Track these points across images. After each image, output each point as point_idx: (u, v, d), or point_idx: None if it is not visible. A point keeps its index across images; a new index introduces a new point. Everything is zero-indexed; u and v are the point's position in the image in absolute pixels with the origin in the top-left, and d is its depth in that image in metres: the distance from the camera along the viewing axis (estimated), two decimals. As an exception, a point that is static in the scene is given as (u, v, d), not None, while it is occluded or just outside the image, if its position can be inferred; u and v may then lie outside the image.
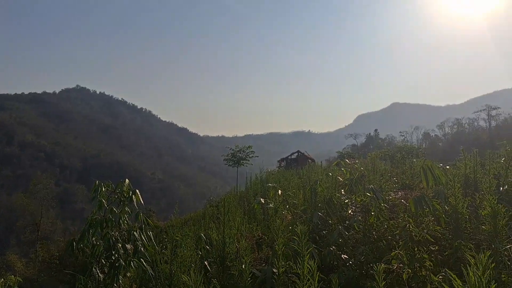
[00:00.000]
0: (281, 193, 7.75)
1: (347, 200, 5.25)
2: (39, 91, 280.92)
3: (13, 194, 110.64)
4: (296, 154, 46.47)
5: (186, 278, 2.77)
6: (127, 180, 4.91)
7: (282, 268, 3.53)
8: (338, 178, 6.37)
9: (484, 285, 1.24)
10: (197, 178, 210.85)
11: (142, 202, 4.81)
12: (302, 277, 2.86)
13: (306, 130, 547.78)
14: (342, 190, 5.89)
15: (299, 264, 2.94)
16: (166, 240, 7.94)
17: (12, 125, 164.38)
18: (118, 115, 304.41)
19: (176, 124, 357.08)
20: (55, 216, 75.35)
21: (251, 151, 27.28)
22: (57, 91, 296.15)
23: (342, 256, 4.10)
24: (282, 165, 42.55)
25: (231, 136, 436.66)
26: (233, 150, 27.35)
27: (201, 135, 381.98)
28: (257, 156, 28.81)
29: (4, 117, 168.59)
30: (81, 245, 4.72)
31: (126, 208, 4.70)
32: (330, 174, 6.86)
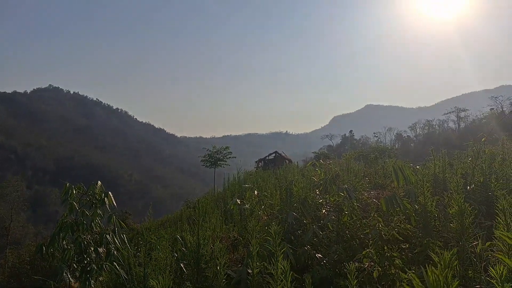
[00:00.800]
0: (257, 193, 7.77)
1: (321, 200, 5.33)
2: (9, 91, 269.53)
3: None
4: (273, 154, 46.66)
5: (154, 283, 2.71)
6: (99, 182, 4.79)
7: (257, 268, 3.54)
8: (313, 178, 6.45)
9: (442, 283, 1.28)
10: (175, 179, 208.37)
11: (115, 204, 4.70)
12: (276, 277, 2.88)
13: (284, 131, 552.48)
14: (317, 190, 5.97)
15: (273, 265, 2.96)
16: (141, 243, 7.80)
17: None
18: (93, 116, 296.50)
19: (153, 125, 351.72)
20: (27, 219, 72.41)
21: (229, 152, 27.21)
22: (28, 91, 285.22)
23: (317, 255, 4.15)
24: (260, 165, 42.64)
25: (209, 136, 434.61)
26: (210, 151, 27.19)
27: (179, 136, 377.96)
28: (235, 157, 28.77)
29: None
30: (51, 250, 4.57)
31: (98, 211, 4.58)
32: (305, 174, 6.95)
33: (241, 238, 5.88)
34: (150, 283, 4.22)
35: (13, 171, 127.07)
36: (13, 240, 35.25)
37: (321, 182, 5.91)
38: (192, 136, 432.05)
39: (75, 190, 4.57)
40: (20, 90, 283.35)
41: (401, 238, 3.34)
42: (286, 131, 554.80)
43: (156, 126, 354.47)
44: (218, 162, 26.54)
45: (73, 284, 4.78)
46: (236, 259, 5.56)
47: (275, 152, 47.36)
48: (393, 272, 2.97)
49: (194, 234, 4.63)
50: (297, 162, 19.77)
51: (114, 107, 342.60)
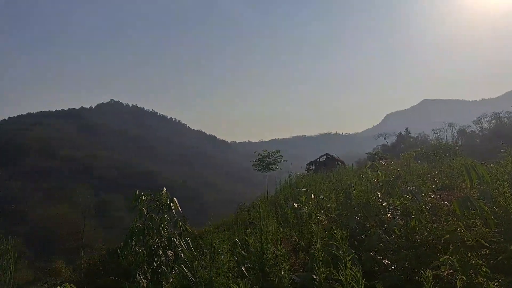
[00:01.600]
0: (314, 197, 7.65)
1: (384, 203, 5.11)
2: (77, 107, 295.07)
3: (56, 205, 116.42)
4: (324, 156, 45.75)
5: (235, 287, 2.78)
6: (164, 188, 5.05)
7: (323, 274, 3.48)
8: (373, 180, 6.22)
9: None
10: (225, 184, 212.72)
11: (180, 209, 4.91)
12: (345, 284, 2.80)
13: (333, 132, 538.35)
14: (378, 193, 5.74)
15: (342, 271, 2.88)
16: (202, 246, 8.05)
17: (53, 140, 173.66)
18: (149, 126, 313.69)
19: (204, 132, 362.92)
20: (96, 224, 78.41)
21: (279, 156, 27.12)
22: (93, 106, 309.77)
23: (384, 261, 3.98)
24: (311, 168, 42.03)
25: (257, 141, 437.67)
26: (261, 155, 27.31)
27: (229, 141, 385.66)
28: (285, 160, 28.61)
29: (45, 133, 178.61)
30: (125, 252, 4.90)
31: (166, 216, 4.83)
32: (363, 176, 6.71)
33: (302, 243, 5.83)
34: (218, 284, 4.33)
35: (81, 181, 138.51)
36: (85, 243, 38.35)
37: (382, 184, 5.67)
38: (241, 141, 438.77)
39: (144, 197, 4.87)
40: (86, 105, 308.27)
41: (487, 244, 3.08)
42: (336, 132, 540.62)
43: (208, 133, 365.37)
44: (270, 166, 26.56)
45: (144, 285, 5.07)
46: (297, 263, 5.52)
47: (326, 154, 46.44)
48: (480, 281, 2.74)
49: (257, 238, 4.68)
50: (352, 164, 19.18)
51: (168, 117, 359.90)
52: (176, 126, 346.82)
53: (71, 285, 3.32)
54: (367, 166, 8.16)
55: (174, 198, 4.96)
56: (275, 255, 4.45)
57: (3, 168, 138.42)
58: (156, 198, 4.96)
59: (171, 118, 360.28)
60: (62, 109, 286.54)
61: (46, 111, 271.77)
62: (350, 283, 2.76)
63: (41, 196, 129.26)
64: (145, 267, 5.14)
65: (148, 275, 5.09)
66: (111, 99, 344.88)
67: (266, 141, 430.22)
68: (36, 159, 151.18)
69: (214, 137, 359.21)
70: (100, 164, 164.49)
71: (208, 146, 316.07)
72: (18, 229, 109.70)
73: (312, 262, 4.09)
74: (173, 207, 4.83)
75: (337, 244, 3.25)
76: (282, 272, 3.92)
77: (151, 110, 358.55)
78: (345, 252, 2.97)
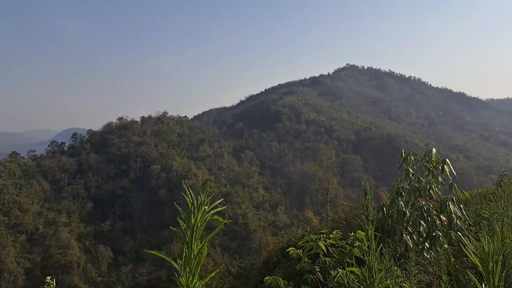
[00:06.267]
0: None
1: None
2: (317, 75, 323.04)
3: (304, 162, 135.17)
4: None
5: None
6: (433, 149, 4.65)
7: None
8: None
9: None
10: (479, 149, 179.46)
11: (454, 172, 4.41)
12: None
13: None
14: None
15: None
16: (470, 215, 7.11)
17: (299, 106, 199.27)
18: (386, 87, 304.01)
19: (450, 90, 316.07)
20: (337, 183, 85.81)
21: None
22: (330, 72, 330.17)
23: None
24: None
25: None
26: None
27: (483, 99, 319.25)
28: None
29: (293, 100, 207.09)
30: (390, 211, 4.95)
31: (440, 179, 4.48)
32: None
33: None
34: None
35: (323, 142, 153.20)
36: (329, 199, 42.67)
37: None
38: (501, 97, 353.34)
39: (412, 157, 4.68)
40: (324, 73, 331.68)
41: None
42: None
43: (454, 90, 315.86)
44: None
45: (410, 246, 4.98)
46: None
47: None
48: None
49: None
50: None
51: (407, 76, 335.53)
52: (415, 85, 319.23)
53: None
54: None
55: (447, 160, 4.49)
56: None
57: (264, 132, 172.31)
58: (425, 159, 4.65)
59: (409, 77, 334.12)
60: (305, 78, 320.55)
61: (292, 81, 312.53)
62: None
63: (293, 154, 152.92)
64: (410, 228, 5.03)
65: (414, 237, 4.97)
66: (347, 64, 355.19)
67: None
68: (288, 123, 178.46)
69: (463, 94, 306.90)
70: (339, 127, 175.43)
71: (455, 105, 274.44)
72: (277, 181, 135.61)
73: None
74: (447, 169, 4.40)
75: None
76: None
77: (387, 70, 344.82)
78: None
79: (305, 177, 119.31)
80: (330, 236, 3.70)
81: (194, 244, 0.87)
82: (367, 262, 1.80)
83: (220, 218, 0.94)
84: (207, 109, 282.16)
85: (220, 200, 1.02)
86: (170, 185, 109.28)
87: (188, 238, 0.88)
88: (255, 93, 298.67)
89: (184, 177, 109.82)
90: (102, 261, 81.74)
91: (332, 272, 3.02)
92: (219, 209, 0.94)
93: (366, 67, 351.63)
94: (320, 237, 3.59)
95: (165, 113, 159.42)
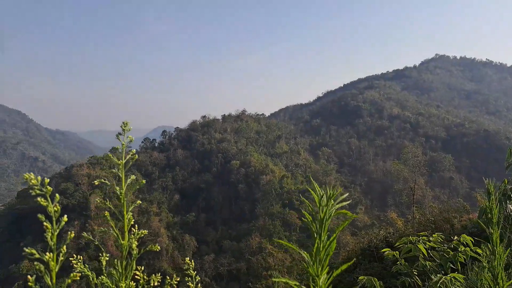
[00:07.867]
0: None
1: None
2: (401, 67, 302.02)
3: (386, 161, 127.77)
4: None
5: None
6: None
7: None
8: None
9: None
10: None
11: None
12: None
13: None
14: None
15: None
16: None
17: (381, 101, 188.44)
18: (483, 78, 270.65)
19: None
20: (425, 183, 79.32)
21: None
22: (417, 64, 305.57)
23: None
24: None
25: None
26: None
27: None
28: None
29: (374, 95, 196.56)
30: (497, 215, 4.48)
31: None
32: None
33: None
34: None
35: (408, 139, 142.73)
36: (416, 200, 39.72)
37: None
38: None
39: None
40: (410, 65, 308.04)
41: None
42: None
43: None
44: None
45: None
46: None
47: None
48: None
49: None
50: None
51: (508, 65, 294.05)
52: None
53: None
54: None
55: None
56: None
57: (342, 129, 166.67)
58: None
59: (511, 66, 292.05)
60: (387, 71, 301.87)
61: (373, 75, 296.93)
62: None
63: (374, 152, 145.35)
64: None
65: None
66: (436, 54, 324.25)
67: None
68: (369, 119, 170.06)
69: None
70: (427, 123, 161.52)
71: None
72: (356, 180, 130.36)
73: None
74: None
75: None
76: None
77: (484, 59, 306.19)
78: None
79: (387, 176, 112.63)
80: (430, 239, 3.50)
81: (323, 236, 0.94)
82: (494, 269, 1.67)
83: (349, 212, 1.00)
84: (284, 106, 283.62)
85: (346, 194, 1.08)
86: (248, 180, 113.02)
87: (316, 230, 0.96)
88: (333, 89, 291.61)
89: (261, 172, 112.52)
90: (187, 249, 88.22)
91: (433, 276, 2.85)
92: (345, 203, 1.00)
93: (458, 57, 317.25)
94: (420, 240, 3.42)
95: (244, 111, 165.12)
